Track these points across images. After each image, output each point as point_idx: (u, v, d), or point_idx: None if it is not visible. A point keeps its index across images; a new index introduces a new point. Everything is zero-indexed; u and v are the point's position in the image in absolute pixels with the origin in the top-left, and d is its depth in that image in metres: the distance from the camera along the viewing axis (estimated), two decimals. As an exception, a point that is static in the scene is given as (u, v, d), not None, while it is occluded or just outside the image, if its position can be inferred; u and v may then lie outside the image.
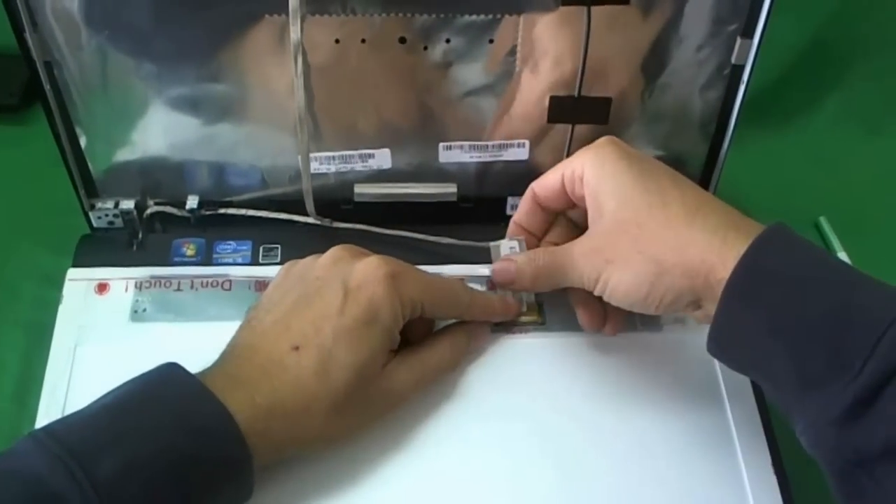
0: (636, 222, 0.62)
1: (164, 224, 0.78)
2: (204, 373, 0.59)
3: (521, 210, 0.72)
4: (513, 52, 0.70)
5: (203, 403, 0.57)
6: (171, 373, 0.58)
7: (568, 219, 0.72)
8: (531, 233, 0.72)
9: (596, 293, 0.64)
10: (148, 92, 0.71)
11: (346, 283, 0.63)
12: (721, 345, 0.60)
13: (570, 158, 0.67)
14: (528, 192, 0.71)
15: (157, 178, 0.76)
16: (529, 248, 0.71)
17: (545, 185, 0.69)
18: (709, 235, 0.59)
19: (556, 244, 0.70)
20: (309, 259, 0.67)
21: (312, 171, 0.73)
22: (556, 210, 0.71)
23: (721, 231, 0.59)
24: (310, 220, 0.75)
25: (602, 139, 0.66)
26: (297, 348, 0.61)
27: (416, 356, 0.66)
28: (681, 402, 0.68)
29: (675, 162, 0.71)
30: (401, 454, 0.65)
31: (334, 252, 0.66)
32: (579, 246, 0.65)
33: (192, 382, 0.58)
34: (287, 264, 0.68)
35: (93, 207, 0.77)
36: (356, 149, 0.74)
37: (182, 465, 0.54)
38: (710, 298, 0.59)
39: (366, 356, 0.62)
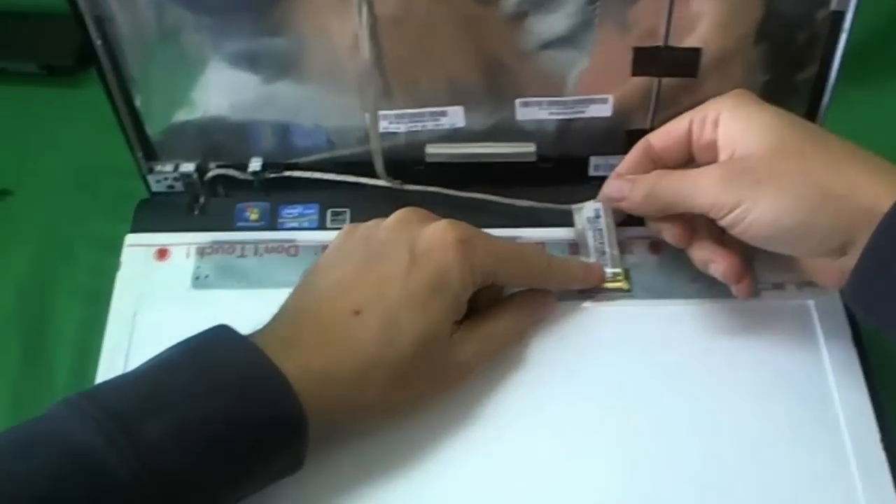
0: (798, 150, 0.58)
1: (226, 188, 0.75)
2: (255, 335, 0.56)
3: (629, 162, 0.67)
4: (592, 0, 0.65)
5: (256, 365, 0.54)
6: (221, 334, 0.55)
7: None
8: None
9: (726, 221, 0.59)
10: (204, 48, 0.68)
11: (412, 248, 0.60)
12: (862, 287, 0.56)
13: (698, 107, 0.64)
14: (640, 143, 0.67)
15: (218, 139, 0.73)
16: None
17: (667, 132, 0.66)
18: (876, 168, 0.56)
19: None
20: (372, 222, 0.63)
21: (381, 130, 0.70)
22: (668, 164, 0.66)
23: (887, 168, 0.56)
24: (380, 182, 0.71)
25: (735, 90, 0.63)
26: (358, 313, 0.58)
27: (480, 327, 0.63)
28: (779, 376, 0.64)
29: None
30: (470, 431, 0.62)
31: (400, 215, 0.63)
32: (716, 168, 0.61)
33: (245, 344, 0.55)
34: (348, 227, 0.65)
35: (151, 171, 0.74)
36: (427, 106, 0.70)
37: (233, 431, 0.51)
38: (863, 241, 0.55)
39: (431, 325, 0.58)
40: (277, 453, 0.54)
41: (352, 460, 0.60)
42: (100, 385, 0.53)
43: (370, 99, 0.67)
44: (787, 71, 0.70)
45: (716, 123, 0.62)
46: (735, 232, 0.59)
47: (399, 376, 0.57)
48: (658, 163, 0.66)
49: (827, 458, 0.60)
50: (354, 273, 0.60)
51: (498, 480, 0.60)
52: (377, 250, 0.61)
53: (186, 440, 0.50)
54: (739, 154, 0.60)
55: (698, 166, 0.64)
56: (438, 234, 0.60)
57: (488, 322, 0.63)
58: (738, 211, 0.58)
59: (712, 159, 0.63)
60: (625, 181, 0.66)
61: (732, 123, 0.61)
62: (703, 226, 0.64)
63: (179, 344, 0.55)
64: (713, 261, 0.63)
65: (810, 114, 0.71)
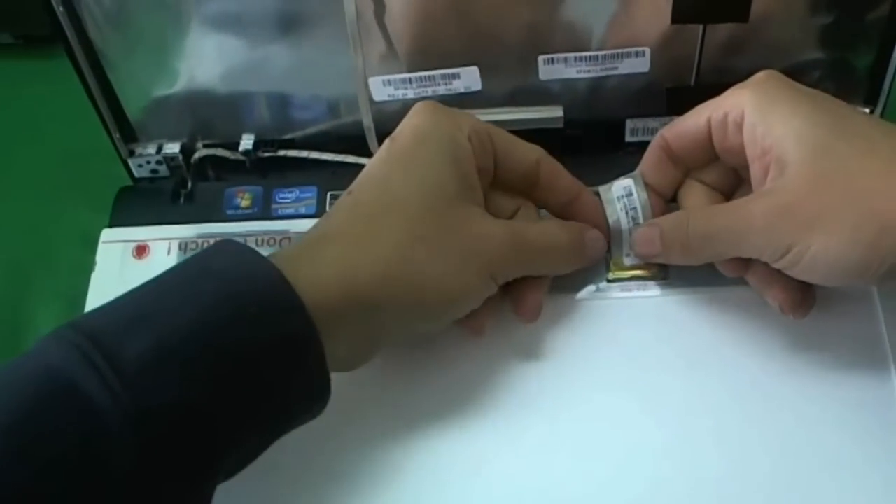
0: (842, 172, 0.52)
1: (216, 170, 0.70)
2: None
3: (647, 163, 0.61)
4: None
5: (250, 265, 0.49)
6: (219, 246, 0.51)
7: (699, 181, 0.61)
8: (657, 192, 0.61)
9: (780, 265, 0.54)
10: (182, 10, 0.62)
11: (392, 134, 0.58)
12: None
13: (717, 99, 0.57)
14: (655, 141, 0.60)
15: (206, 115, 0.68)
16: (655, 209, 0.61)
17: (682, 131, 0.59)
18: None
19: None
20: None
21: (386, 97, 0.65)
22: (691, 164, 0.60)
23: None
24: None
25: (760, 75, 0.56)
26: (350, 192, 0.56)
27: (514, 222, 0.59)
28: (836, 373, 0.58)
29: (833, 68, 0.65)
30: (483, 431, 0.57)
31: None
32: (758, 205, 0.54)
33: (240, 249, 0.50)
34: None
35: (132, 154, 0.69)
36: (437, 68, 0.64)
37: (225, 346, 0.46)
38: None
39: (425, 171, 0.55)
40: (289, 373, 0.48)
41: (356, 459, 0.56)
42: (89, 312, 0.48)
43: (359, 66, 0.62)
44: (854, 11, 0.64)
45: (738, 126, 0.55)
46: (792, 274, 0.54)
47: (411, 227, 0.53)
48: (679, 163, 0.60)
49: (885, 459, 0.56)
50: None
51: (515, 483, 0.56)
52: None
53: (174, 357, 0.45)
54: (774, 175, 0.54)
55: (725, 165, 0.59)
56: (412, 109, 0.58)
57: (526, 223, 0.59)
58: (789, 256, 0.53)
59: (741, 163, 0.57)
60: (651, 230, 0.59)
61: (759, 131, 0.54)
62: None
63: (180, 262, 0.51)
64: (767, 293, 0.58)
65: (882, 59, 0.65)
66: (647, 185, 0.60)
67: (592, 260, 0.60)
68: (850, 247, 0.51)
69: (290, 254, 0.51)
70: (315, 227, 0.55)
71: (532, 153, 0.59)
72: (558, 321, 0.61)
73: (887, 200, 0.51)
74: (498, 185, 0.59)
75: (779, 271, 0.55)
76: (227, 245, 0.50)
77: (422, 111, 0.57)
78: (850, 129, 0.53)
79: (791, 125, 0.53)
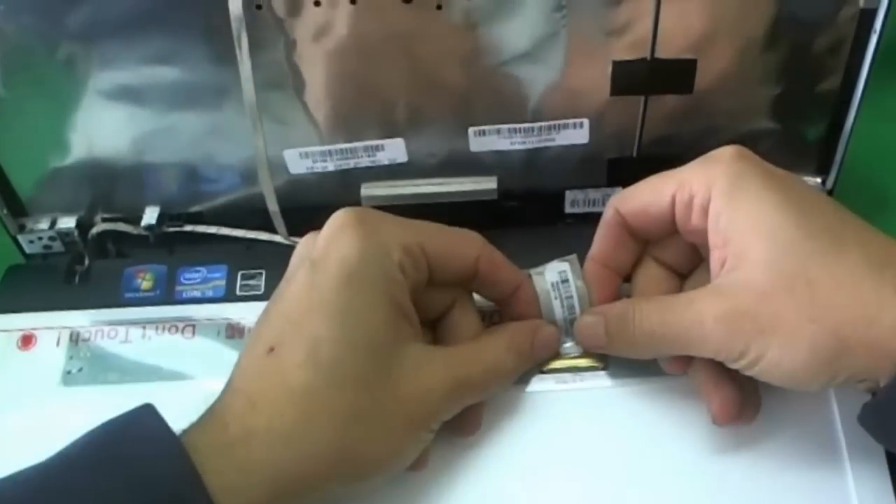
0: (805, 277, 0.49)
1: (118, 246, 0.64)
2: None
3: (602, 241, 0.56)
4: (559, 7, 0.55)
5: (165, 461, 0.45)
6: (135, 424, 0.47)
7: (655, 260, 0.57)
8: (614, 271, 0.57)
9: (735, 366, 0.51)
10: (78, 79, 0.57)
11: (311, 254, 0.51)
12: (883, 420, 0.50)
13: (681, 176, 0.53)
14: (608, 215, 0.55)
15: (105, 186, 0.63)
16: (605, 293, 0.56)
17: (642, 207, 0.54)
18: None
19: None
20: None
21: (304, 170, 0.61)
22: (651, 238, 0.56)
23: None
24: (296, 239, 0.60)
25: (728, 151, 0.52)
26: (272, 349, 0.49)
27: (455, 351, 0.54)
28: (788, 473, 0.55)
29: (783, 138, 0.62)
30: None
31: (329, 221, 0.53)
32: (711, 305, 0.51)
33: (156, 435, 0.46)
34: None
35: (22, 229, 0.63)
36: (360, 140, 0.60)
37: None
38: (884, 377, 0.48)
39: (357, 324, 0.49)
40: None
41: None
42: None
43: (260, 145, 0.57)
44: (805, 81, 0.61)
45: (704, 210, 0.51)
46: (748, 374, 0.51)
47: (348, 402, 0.48)
48: (638, 238, 0.56)
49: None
50: (264, 314, 0.52)
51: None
52: (285, 278, 0.53)
53: None
54: (733, 272, 0.51)
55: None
56: (332, 224, 0.52)
57: (466, 347, 0.54)
58: (746, 360, 0.50)
59: (703, 243, 0.53)
60: (595, 321, 0.54)
61: (723, 219, 0.51)
62: None
63: (93, 430, 0.47)
64: (704, 397, 0.55)
65: (834, 129, 0.62)
66: (600, 264, 0.56)
67: (542, 360, 0.57)
68: (807, 363, 0.49)
69: (211, 446, 0.46)
70: (233, 395, 0.49)
71: (470, 250, 0.55)
72: (491, 416, 0.56)
73: (850, 319, 0.48)
74: (432, 283, 0.54)
75: (722, 375, 0.53)
76: (143, 423, 0.46)
77: (345, 233, 0.51)
78: (820, 227, 0.50)
79: (757, 217, 0.50)
